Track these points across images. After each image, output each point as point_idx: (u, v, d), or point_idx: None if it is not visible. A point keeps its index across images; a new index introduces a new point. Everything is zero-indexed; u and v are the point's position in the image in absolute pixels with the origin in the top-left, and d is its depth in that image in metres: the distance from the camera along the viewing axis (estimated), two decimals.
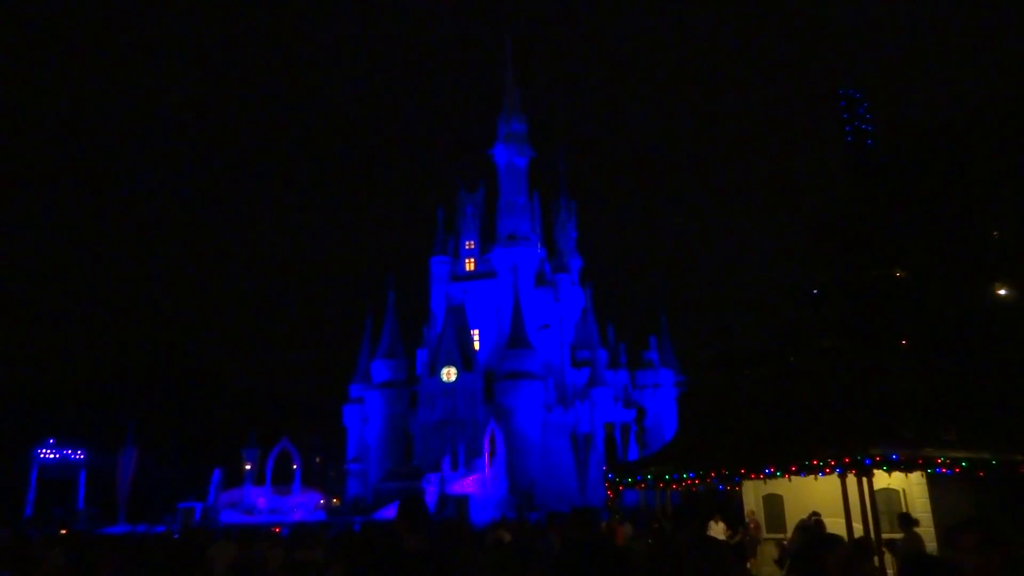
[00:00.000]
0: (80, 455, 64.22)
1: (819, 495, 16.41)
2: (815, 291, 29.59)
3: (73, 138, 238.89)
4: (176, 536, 26.39)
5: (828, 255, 29.27)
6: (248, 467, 56.91)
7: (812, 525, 15.24)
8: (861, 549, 9.97)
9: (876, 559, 12.39)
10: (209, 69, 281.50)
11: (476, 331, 68.06)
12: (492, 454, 53.96)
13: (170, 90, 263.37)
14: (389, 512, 48.25)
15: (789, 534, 16.64)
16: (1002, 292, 21.94)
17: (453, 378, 61.92)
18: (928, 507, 15.85)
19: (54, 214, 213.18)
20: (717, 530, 18.37)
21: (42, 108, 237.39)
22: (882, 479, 14.92)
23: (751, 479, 17.61)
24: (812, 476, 15.13)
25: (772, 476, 15.98)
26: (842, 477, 14.22)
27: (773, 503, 18.95)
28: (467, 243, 72.45)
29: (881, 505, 14.86)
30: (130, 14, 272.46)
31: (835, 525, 15.45)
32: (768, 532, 18.85)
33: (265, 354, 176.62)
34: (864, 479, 13.91)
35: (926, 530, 15.76)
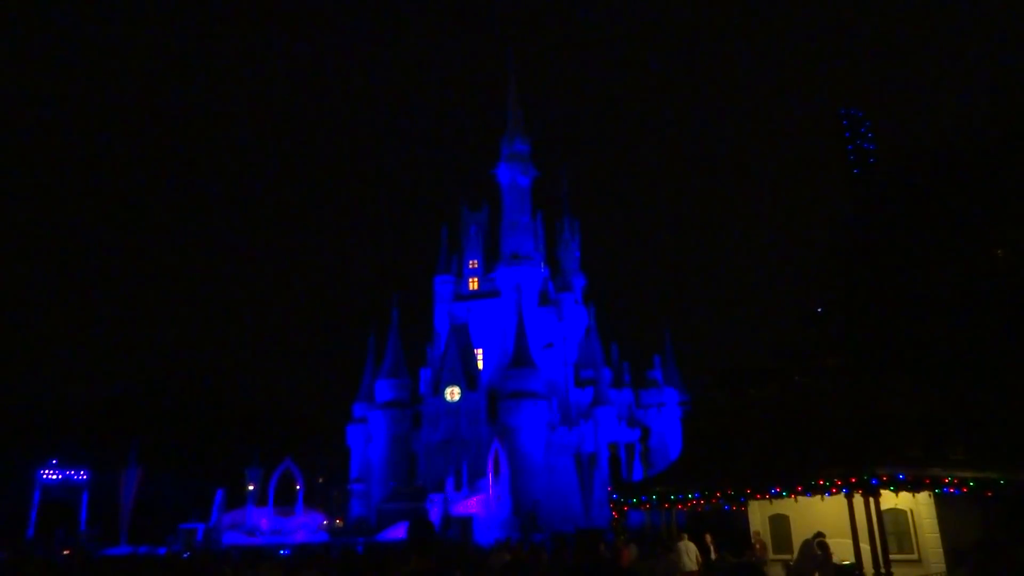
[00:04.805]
0: (83, 476, 64.00)
1: (826, 516, 16.26)
2: (819, 309, 29.55)
3: (76, 159, 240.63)
4: (186, 557, 26.27)
5: (832, 273, 29.24)
6: (251, 487, 56.65)
7: (815, 545, 15.09)
8: None
9: None
10: (218, 87, 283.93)
11: (480, 350, 67.97)
12: (496, 474, 53.67)
13: (173, 108, 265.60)
14: (393, 533, 47.94)
15: (795, 555, 16.49)
16: (1007, 310, 21.87)
17: (457, 397, 61.75)
18: (936, 527, 15.70)
19: (55, 231, 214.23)
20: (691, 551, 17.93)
21: (39, 122, 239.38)
22: (889, 499, 14.81)
23: (757, 499, 17.47)
24: (819, 496, 15.03)
25: (778, 496, 15.88)
26: (849, 497, 14.12)
27: (779, 524, 18.78)
28: (471, 262, 72.55)
29: (888, 526, 14.73)
30: (127, 29, 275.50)
31: (842, 546, 15.32)
32: (774, 553, 18.66)
33: (268, 374, 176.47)
34: (871, 499, 13.81)
35: (934, 551, 15.62)
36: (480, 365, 66.47)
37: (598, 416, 62.44)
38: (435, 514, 50.67)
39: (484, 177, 74.97)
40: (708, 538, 18.55)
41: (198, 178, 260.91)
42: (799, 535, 17.05)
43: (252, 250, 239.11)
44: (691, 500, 17.92)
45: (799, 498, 15.61)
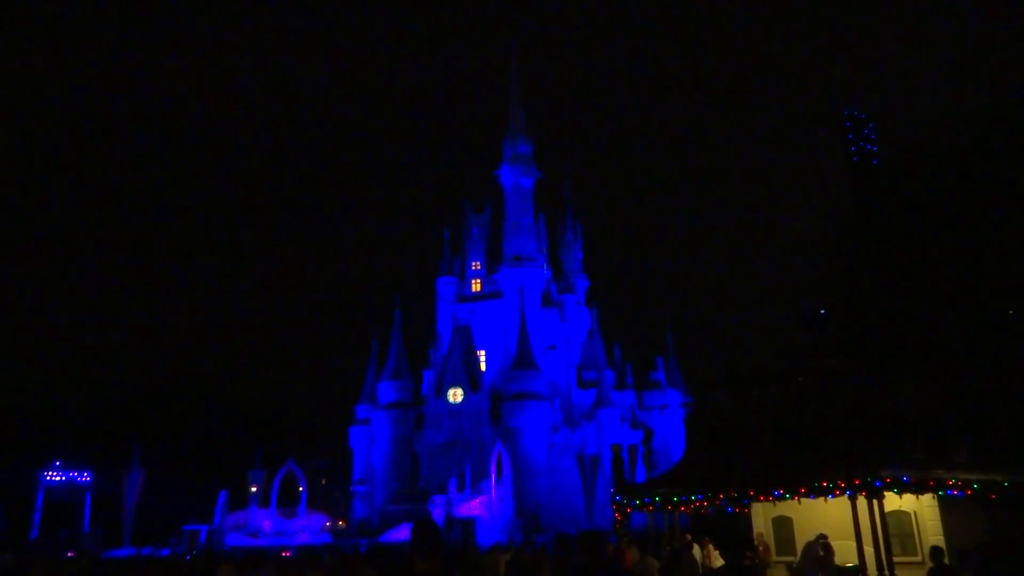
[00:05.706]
0: (86, 477, 64.16)
1: (829, 518, 16.24)
2: (823, 311, 29.52)
3: (78, 160, 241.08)
4: (189, 559, 26.32)
5: (835, 275, 29.21)
6: (254, 489, 56.66)
7: (818, 547, 15.06)
8: None
9: None
10: (221, 87, 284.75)
11: (483, 352, 67.93)
12: (499, 476, 53.63)
13: (177, 109, 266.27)
14: (396, 534, 47.93)
15: (798, 557, 16.47)
16: (1010, 312, 21.84)
17: (460, 399, 61.73)
18: (940, 530, 15.67)
19: (57, 233, 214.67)
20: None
21: (38, 124, 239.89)
22: (893, 501, 14.78)
23: (760, 501, 17.45)
24: (822, 498, 14.99)
25: (781, 498, 15.85)
26: (852, 499, 14.09)
27: (783, 526, 18.76)
28: (473, 264, 72.53)
29: (892, 528, 14.71)
30: (125, 30, 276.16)
31: (846, 548, 15.29)
32: (778, 555, 18.65)
33: (271, 375, 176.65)
34: (875, 501, 13.79)
35: None
36: (483, 367, 66.44)
37: (601, 418, 62.35)
38: (438, 516, 50.66)
39: (487, 179, 74.98)
40: (704, 540, 18.48)
41: (201, 179, 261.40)
42: (802, 537, 17.03)
43: (255, 252, 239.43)
44: (694, 502, 17.90)
45: (802, 500, 15.58)
